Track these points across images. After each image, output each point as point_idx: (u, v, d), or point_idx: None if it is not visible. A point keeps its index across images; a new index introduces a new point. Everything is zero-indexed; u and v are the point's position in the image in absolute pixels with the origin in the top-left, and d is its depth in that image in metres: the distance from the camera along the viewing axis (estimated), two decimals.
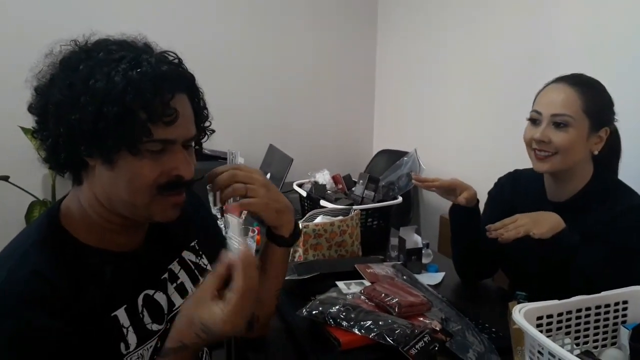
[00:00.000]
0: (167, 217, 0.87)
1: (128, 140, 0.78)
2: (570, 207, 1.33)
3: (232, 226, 0.80)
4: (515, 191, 1.51)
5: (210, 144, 2.70)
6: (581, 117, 1.26)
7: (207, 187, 0.95)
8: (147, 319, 0.90)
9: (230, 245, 0.79)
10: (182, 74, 0.85)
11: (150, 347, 0.89)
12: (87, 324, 0.80)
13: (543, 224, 1.24)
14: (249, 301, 0.77)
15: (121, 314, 0.85)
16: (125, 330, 0.85)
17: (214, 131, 0.96)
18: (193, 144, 0.90)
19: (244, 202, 0.94)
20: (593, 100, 1.27)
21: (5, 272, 0.77)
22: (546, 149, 1.29)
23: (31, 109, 0.83)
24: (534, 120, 1.33)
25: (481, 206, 1.59)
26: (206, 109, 0.93)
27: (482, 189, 1.63)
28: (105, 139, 0.77)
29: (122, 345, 0.85)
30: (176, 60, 0.85)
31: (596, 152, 1.31)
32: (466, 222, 1.50)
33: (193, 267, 1.04)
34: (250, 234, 1.58)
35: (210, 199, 0.94)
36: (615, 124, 1.34)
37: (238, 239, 0.79)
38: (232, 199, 0.94)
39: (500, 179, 1.58)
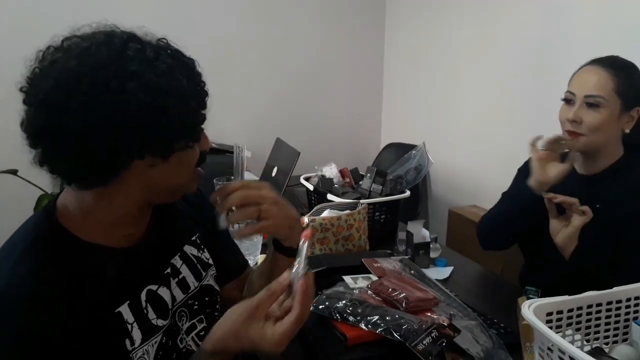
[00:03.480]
0: (195, 187, 0.93)
1: (198, 131, 0.84)
2: (598, 181, 1.39)
3: (299, 252, 0.82)
4: None
5: (217, 138, 2.67)
6: (613, 98, 1.31)
7: (217, 204, 0.93)
8: (151, 314, 0.89)
9: (295, 269, 0.81)
10: None
11: (156, 342, 0.89)
12: (91, 322, 0.79)
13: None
14: (298, 328, 0.79)
15: (125, 310, 0.85)
16: (129, 326, 0.85)
17: None
18: None
19: (259, 226, 0.93)
20: (625, 81, 1.32)
21: (5, 272, 0.76)
22: (577, 130, 1.34)
23: (64, 124, 0.73)
24: (567, 100, 1.38)
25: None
26: None
27: (493, 182, 1.62)
28: (183, 136, 0.80)
29: (127, 342, 0.84)
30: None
31: (627, 131, 1.36)
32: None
33: (195, 261, 1.03)
34: None
35: (219, 217, 0.94)
36: None
37: (303, 264, 0.81)
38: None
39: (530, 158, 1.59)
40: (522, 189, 1.43)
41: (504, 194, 1.60)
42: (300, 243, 0.81)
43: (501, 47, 2.47)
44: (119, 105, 0.72)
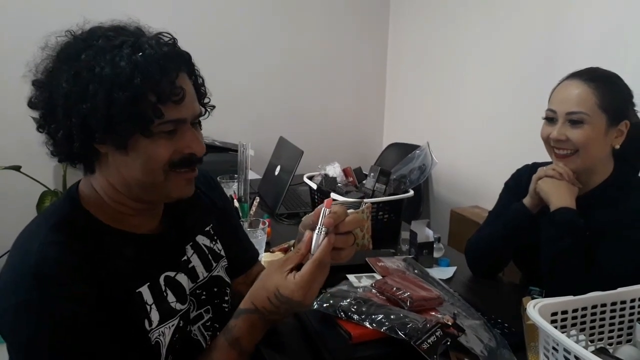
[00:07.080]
0: (183, 193, 0.90)
1: (141, 124, 0.79)
2: (586, 203, 1.31)
3: (321, 217, 0.88)
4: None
5: (221, 136, 2.67)
6: (597, 113, 1.24)
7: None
8: (171, 297, 0.92)
9: (317, 232, 0.87)
10: (180, 53, 0.87)
11: (173, 325, 0.91)
12: (115, 295, 0.82)
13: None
14: (322, 275, 0.84)
15: (145, 291, 0.88)
16: (148, 307, 0.87)
17: (214, 107, 0.96)
18: (199, 121, 0.92)
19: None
20: (609, 94, 1.25)
21: (33, 249, 0.79)
22: (565, 147, 1.28)
23: (33, 103, 0.83)
24: (549, 119, 1.31)
25: (492, 199, 1.58)
26: (204, 85, 0.94)
27: (495, 183, 1.61)
28: (117, 124, 0.78)
29: (146, 322, 0.87)
30: (172, 41, 0.86)
31: (617, 146, 1.29)
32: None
33: (207, 251, 1.05)
34: (261, 225, 1.57)
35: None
36: (638, 115, 1.32)
37: (324, 227, 0.87)
38: None
39: (518, 170, 1.55)
40: (516, 210, 1.39)
41: (491, 214, 1.55)
42: (323, 209, 0.87)
43: (506, 48, 2.48)
44: (52, 79, 0.80)
